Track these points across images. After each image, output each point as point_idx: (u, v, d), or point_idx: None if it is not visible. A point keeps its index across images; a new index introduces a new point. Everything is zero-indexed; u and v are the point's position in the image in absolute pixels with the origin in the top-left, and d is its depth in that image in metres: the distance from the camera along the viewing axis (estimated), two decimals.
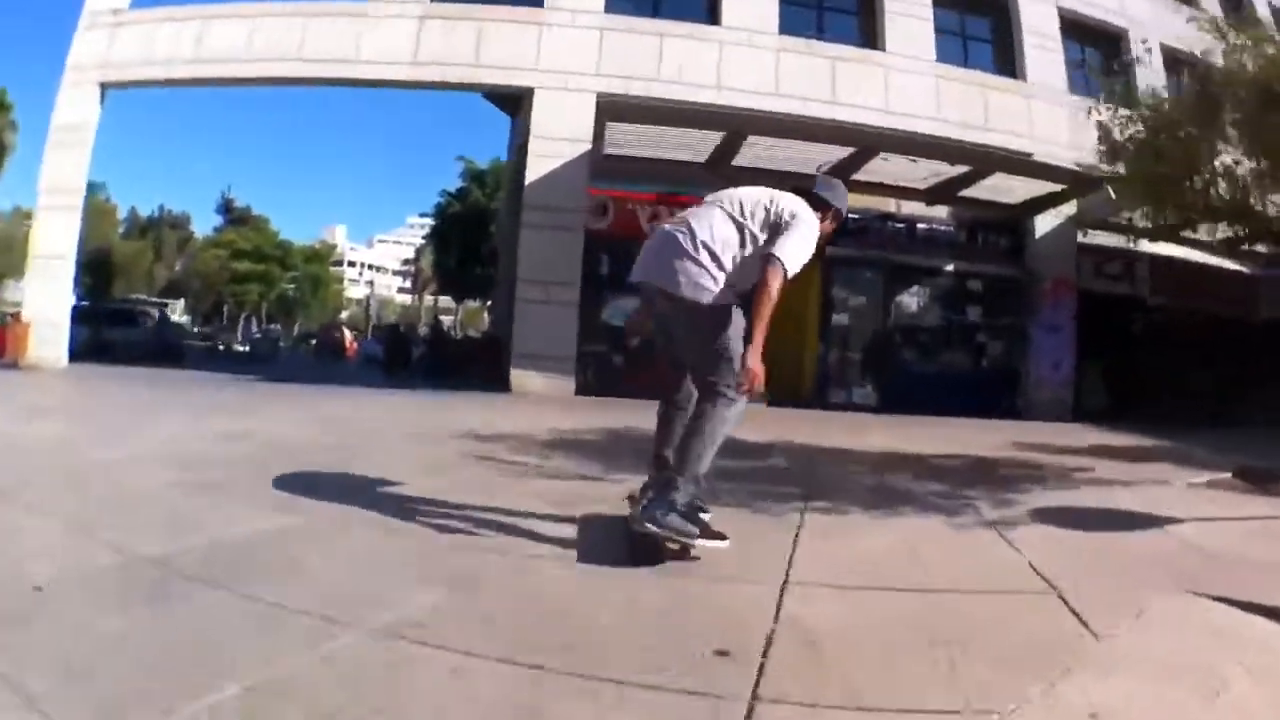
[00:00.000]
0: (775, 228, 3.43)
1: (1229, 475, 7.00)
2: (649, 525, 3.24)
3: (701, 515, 3.53)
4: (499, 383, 14.49)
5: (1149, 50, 16.05)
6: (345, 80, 15.47)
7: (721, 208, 3.51)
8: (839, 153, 13.66)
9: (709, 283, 3.34)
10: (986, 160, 14.36)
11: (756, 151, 13.77)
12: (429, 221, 51.17)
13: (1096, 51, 18.13)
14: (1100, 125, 12.22)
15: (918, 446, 8.55)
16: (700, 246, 3.36)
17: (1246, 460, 7.44)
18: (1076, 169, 14.39)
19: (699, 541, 3.32)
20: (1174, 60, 16.36)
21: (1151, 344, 18.68)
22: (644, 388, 13.47)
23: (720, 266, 3.36)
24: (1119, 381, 18.39)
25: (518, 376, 14.00)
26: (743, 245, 3.41)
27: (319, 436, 6.93)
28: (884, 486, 5.78)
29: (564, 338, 14.13)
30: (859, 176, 14.28)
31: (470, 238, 40.06)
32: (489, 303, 41.91)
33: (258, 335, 49.45)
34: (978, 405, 15.28)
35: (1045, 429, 12.80)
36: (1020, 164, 14.64)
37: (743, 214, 3.46)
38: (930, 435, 10.23)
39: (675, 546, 3.32)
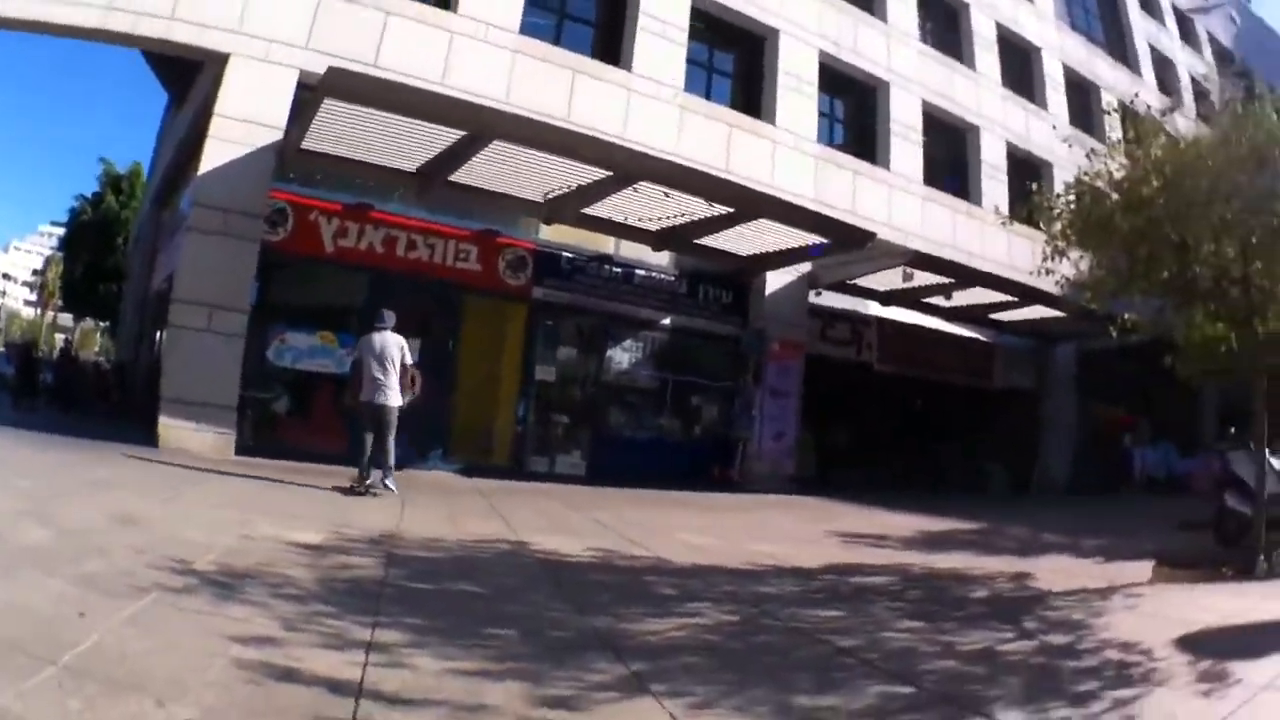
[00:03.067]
0: (403, 354, 9.90)
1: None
2: (385, 486, 9.80)
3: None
4: (135, 426, 12.75)
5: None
6: (30, 23, 12.48)
7: (390, 358, 9.80)
8: (579, 176, 12.96)
9: (397, 397, 9.87)
10: (760, 204, 14.06)
11: (477, 169, 12.90)
12: (61, 230, 49.01)
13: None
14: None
15: (744, 544, 8.94)
16: (394, 382, 9.82)
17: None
18: (848, 223, 14.91)
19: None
20: None
21: (873, 411, 19.80)
22: (306, 442, 12.25)
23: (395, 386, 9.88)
24: (834, 449, 19.19)
25: (169, 428, 11.83)
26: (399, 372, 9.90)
27: None
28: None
29: (226, 379, 12.20)
30: (588, 210, 14.03)
31: (100, 250, 38.44)
32: (106, 325, 40.55)
33: None
34: (692, 474, 15.63)
35: (798, 505, 14.07)
36: (795, 212, 14.53)
37: (396, 360, 9.83)
38: (715, 522, 10.91)
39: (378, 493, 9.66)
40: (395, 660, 3.86)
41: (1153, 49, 28.42)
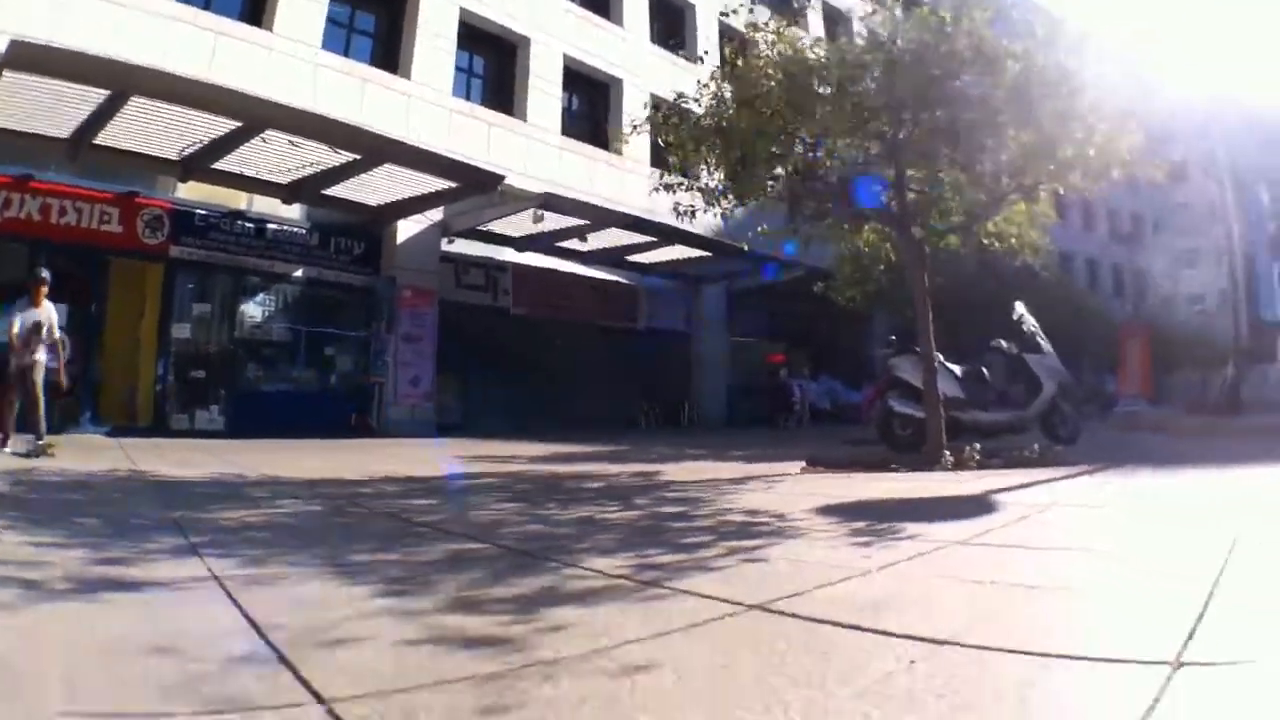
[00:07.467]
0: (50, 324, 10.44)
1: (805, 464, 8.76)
2: (39, 451, 9.34)
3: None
4: None
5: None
6: None
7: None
8: (212, 129, 14.26)
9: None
10: (383, 149, 15.21)
11: (124, 128, 14.12)
12: None
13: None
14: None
15: (367, 467, 9.11)
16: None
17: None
18: (475, 166, 16.62)
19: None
20: None
21: (514, 355, 20.88)
22: None
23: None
24: (477, 393, 20.39)
25: None
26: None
27: None
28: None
29: None
30: (219, 165, 15.47)
31: None
32: None
33: None
34: (331, 424, 16.52)
35: (436, 444, 14.60)
36: (421, 156, 15.82)
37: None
38: (344, 458, 11.01)
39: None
40: None
41: None
